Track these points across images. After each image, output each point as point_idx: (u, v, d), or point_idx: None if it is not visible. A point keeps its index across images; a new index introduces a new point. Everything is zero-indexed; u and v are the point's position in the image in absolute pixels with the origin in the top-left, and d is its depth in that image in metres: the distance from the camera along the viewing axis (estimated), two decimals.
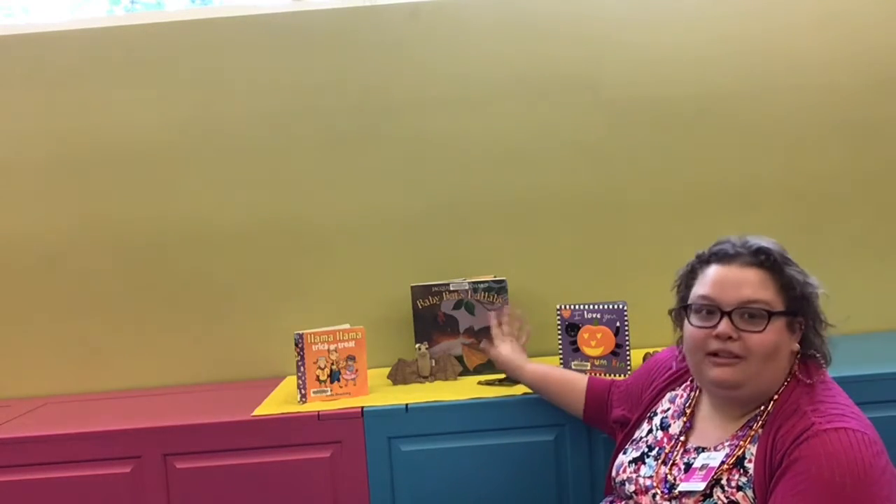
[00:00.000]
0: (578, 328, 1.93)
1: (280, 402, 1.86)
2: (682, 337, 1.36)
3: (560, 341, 1.96)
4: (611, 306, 1.89)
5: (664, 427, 1.36)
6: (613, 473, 1.38)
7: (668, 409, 1.39)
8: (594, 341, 1.90)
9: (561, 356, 1.95)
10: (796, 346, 1.26)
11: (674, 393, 1.41)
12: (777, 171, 2.19)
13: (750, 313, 1.22)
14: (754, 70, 2.17)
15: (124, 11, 2.43)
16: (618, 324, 1.88)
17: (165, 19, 2.21)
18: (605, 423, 1.58)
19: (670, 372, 1.45)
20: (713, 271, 1.28)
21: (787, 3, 2.17)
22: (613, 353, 1.88)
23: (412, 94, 2.19)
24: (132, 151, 2.19)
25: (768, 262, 1.25)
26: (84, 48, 2.18)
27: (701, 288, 1.29)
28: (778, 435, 1.16)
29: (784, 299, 1.24)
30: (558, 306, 1.97)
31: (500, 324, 1.92)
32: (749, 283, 1.24)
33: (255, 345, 2.21)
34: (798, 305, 1.25)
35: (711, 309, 1.25)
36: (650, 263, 2.13)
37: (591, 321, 1.91)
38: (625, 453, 1.39)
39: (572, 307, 1.94)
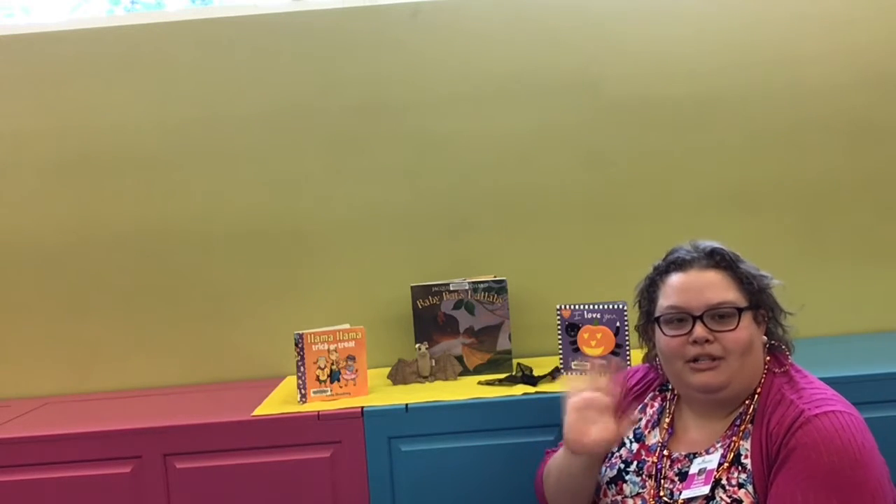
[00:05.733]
0: (578, 328, 1.93)
1: (280, 402, 1.86)
2: (651, 352, 1.39)
3: (560, 341, 1.96)
4: (611, 306, 1.89)
5: (638, 439, 1.36)
6: (595, 497, 1.38)
7: (640, 419, 1.39)
8: (594, 341, 1.90)
9: (561, 356, 1.95)
10: (764, 338, 1.30)
11: (642, 404, 1.41)
12: (777, 170, 2.18)
13: (720, 314, 1.25)
14: (754, 71, 2.17)
15: (124, 11, 2.43)
16: (618, 324, 1.88)
17: (165, 19, 2.21)
18: None
19: (625, 390, 1.44)
20: (675, 280, 1.31)
21: (788, 4, 2.17)
22: (613, 353, 1.88)
23: (412, 94, 2.19)
24: (132, 151, 2.19)
25: (724, 261, 1.30)
26: (84, 48, 2.18)
27: (667, 298, 1.31)
28: (770, 426, 1.19)
29: (745, 294, 1.28)
30: (558, 306, 1.97)
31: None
32: (712, 286, 1.27)
33: (255, 345, 2.21)
34: (758, 298, 1.29)
35: (682, 317, 1.27)
36: (650, 263, 2.11)
37: (591, 321, 1.92)
38: (600, 474, 1.37)
39: (572, 307, 1.95)
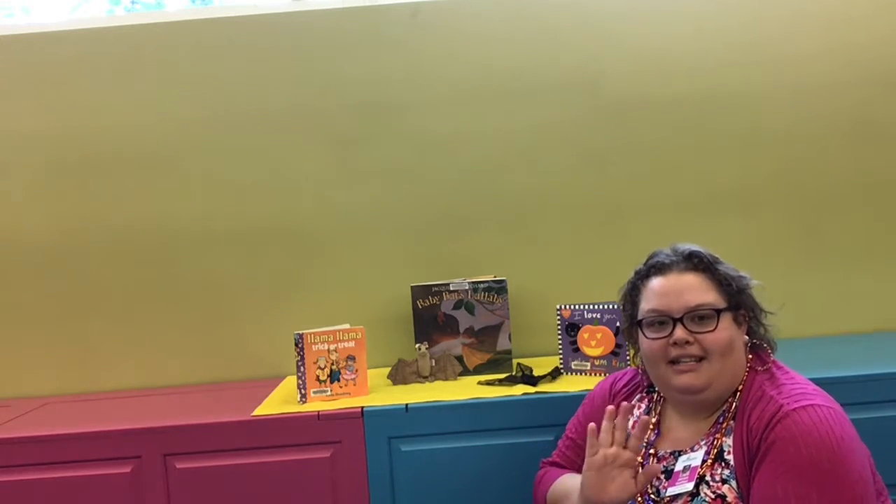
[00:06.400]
0: (578, 328, 1.93)
1: (280, 402, 1.86)
2: (637, 355, 1.40)
3: (560, 341, 1.96)
4: (611, 306, 1.89)
5: None
6: None
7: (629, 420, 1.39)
8: (594, 341, 1.90)
9: (561, 356, 1.95)
10: (745, 338, 1.31)
11: (632, 406, 1.42)
12: (776, 169, 2.19)
13: (699, 315, 1.27)
14: (754, 70, 2.17)
15: (124, 11, 2.43)
16: (618, 324, 1.88)
17: (165, 19, 2.21)
18: None
19: (613, 393, 1.47)
20: (655, 283, 1.33)
21: (786, 2, 2.17)
22: (613, 353, 1.88)
23: (412, 94, 2.19)
24: (132, 151, 2.19)
25: (702, 264, 1.32)
26: (84, 48, 2.18)
27: (648, 302, 1.33)
28: (751, 422, 1.21)
29: (724, 296, 1.30)
30: (558, 306, 1.97)
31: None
32: (691, 288, 1.29)
33: (255, 345, 2.21)
34: (737, 299, 1.30)
35: (663, 319, 1.29)
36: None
37: (591, 321, 1.92)
38: None
39: (572, 307, 1.95)
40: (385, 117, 2.19)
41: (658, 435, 1.34)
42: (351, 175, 2.20)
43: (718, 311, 1.27)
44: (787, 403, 1.18)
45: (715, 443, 1.25)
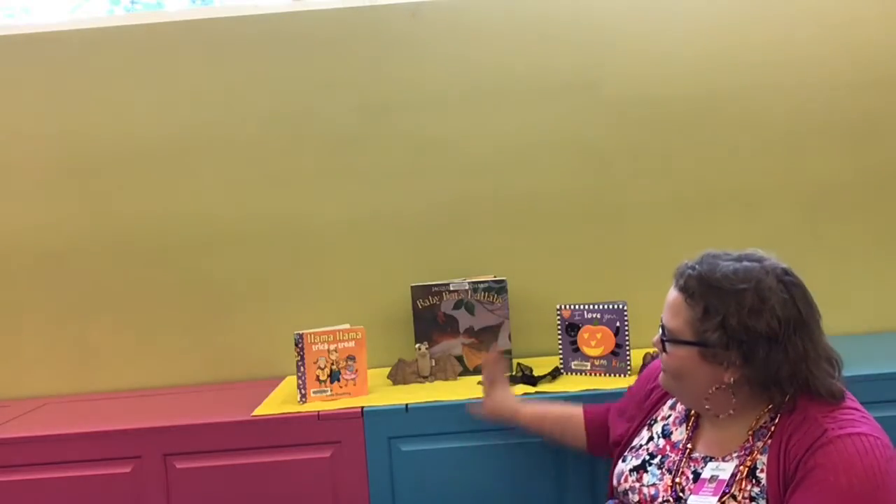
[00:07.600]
0: (578, 328, 1.93)
1: (280, 402, 1.86)
2: None
3: (560, 341, 1.96)
4: (611, 306, 1.89)
5: (666, 434, 1.37)
6: (615, 482, 1.39)
7: (670, 415, 1.40)
8: (594, 341, 1.90)
9: (561, 356, 1.95)
10: (730, 378, 1.22)
11: (674, 399, 1.42)
12: (777, 171, 2.19)
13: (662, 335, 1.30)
14: (754, 71, 2.17)
15: (124, 11, 2.43)
16: (618, 324, 1.88)
17: (165, 19, 2.21)
18: (608, 447, 1.54)
19: (653, 386, 1.47)
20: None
21: (788, 5, 2.17)
22: (613, 353, 1.88)
23: (412, 94, 2.19)
24: (132, 151, 2.19)
25: (684, 288, 1.25)
26: (84, 48, 2.18)
27: None
28: (790, 444, 1.17)
29: (695, 329, 1.23)
30: (558, 306, 1.97)
31: (491, 372, 1.69)
32: (670, 307, 1.29)
33: (255, 345, 2.21)
34: (717, 339, 1.21)
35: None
36: (650, 263, 2.12)
37: (591, 321, 1.92)
38: (624, 461, 1.39)
39: (572, 307, 1.95)
40: (385, 117, 2.19)
41: (697, 428, 1.33)
42: (351, 175, 2.20)
43: (664, 341, 1.28)
44: (832, 429, 1.13)
45: (748, 458, 1.21)
